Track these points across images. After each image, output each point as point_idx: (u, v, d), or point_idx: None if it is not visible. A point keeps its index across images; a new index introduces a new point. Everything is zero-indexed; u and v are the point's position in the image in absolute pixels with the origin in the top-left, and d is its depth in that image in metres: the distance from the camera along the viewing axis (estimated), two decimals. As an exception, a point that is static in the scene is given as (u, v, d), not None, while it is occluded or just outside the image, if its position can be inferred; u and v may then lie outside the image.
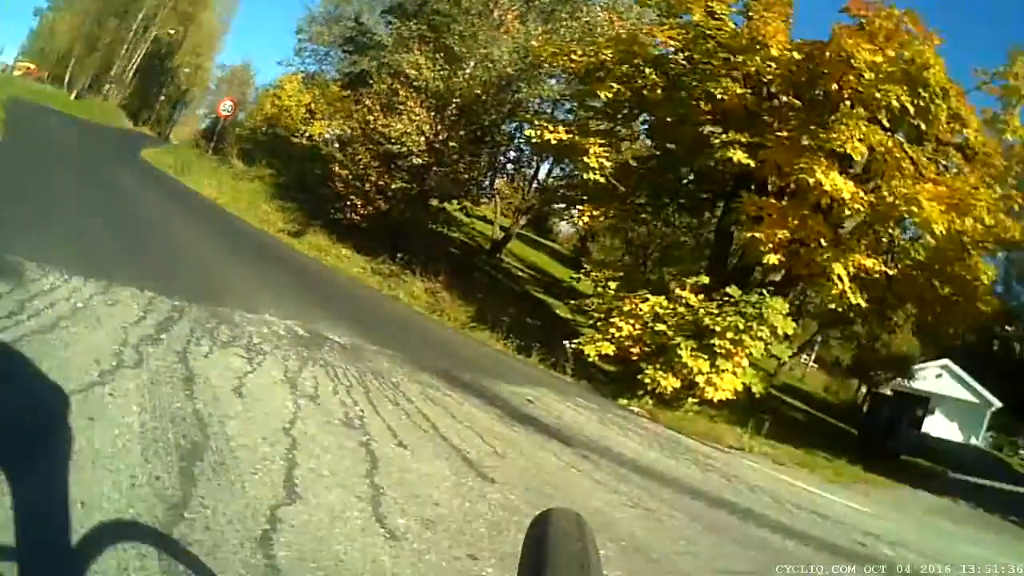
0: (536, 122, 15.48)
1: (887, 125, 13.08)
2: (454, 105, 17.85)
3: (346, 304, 12.90)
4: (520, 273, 25.86)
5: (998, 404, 38.46)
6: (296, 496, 3.75)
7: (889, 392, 27.77)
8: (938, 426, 34.35)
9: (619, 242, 23.68)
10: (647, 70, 14.20)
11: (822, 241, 12.78)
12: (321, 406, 5.62)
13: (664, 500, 7.03)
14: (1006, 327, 52.43)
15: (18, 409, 3.40)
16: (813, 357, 43.51)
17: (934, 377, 34.15)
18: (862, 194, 12.63)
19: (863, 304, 13.33)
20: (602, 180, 13.95)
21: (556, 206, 26.88)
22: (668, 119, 15.13)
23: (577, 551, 1.13)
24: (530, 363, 13.25)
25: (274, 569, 2.99)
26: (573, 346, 13.23)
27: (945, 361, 36.95)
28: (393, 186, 17.29)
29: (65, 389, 4.01)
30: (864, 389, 32.83)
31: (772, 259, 12.53)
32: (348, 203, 17.42)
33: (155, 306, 6.73)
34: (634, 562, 4.80)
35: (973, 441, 38.15)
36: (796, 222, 12.58)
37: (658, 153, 16.01)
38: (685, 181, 16.20)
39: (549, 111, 20.36)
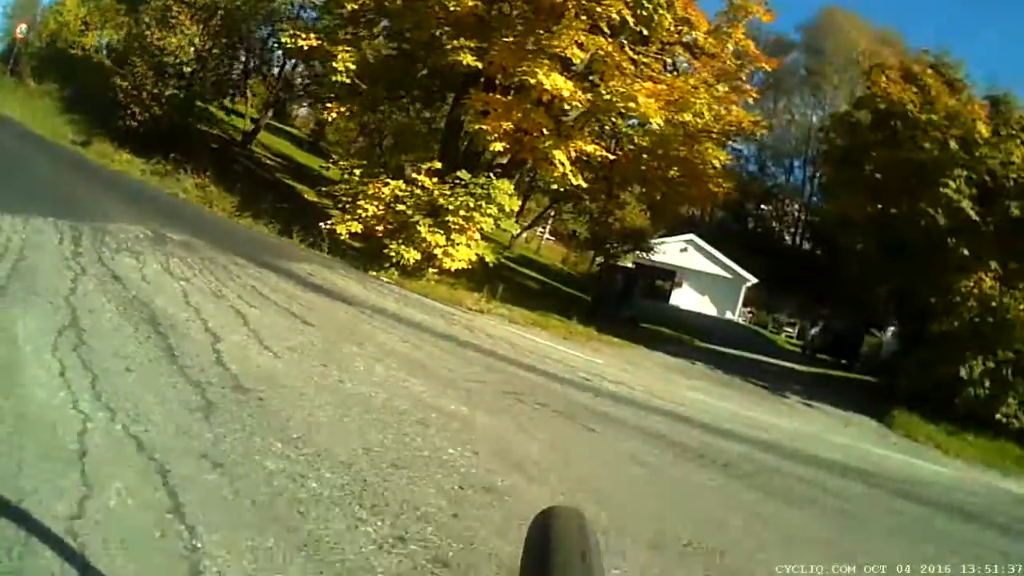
0: (291, 30, 16.43)
1: (608, 32, 14.67)
2: (218, 15, 19.21)
3: (154, 206, 14.74)
4: (269, 162, 27.25)
5: (753, 280, 40.60)
6: (219, 338, 6.44)
7: (630, 264, 29.49)
8: (689, 299, 36.69)
9: (354, 125, 24.89)
10: (389, -17, 15.58)
11: (544, 131, 14.53)
12: (194, 285, 8.45)
13: (424, 340, 9.81)
14: (761, 206, 56.30)
15: (49, 315, 5.81)
16: (548, 230, 45.26)
17: (678, 251, 35.14)
18: (580, 92, 14.28)
19: (584, 184, 15.16)
20: (348, 81, 15.18)
21: (303, 101, 29.27)
22: (406, 25, 16.36)
23: (578, 551, 1.19)
24: (294, 243, 15.13)
25: (232, 375, 5.54)
26: (328, 227, 14.60)
27: (690, 236, 38.25)
28: (167, 93, 18.50)
29: (61, 295, 6.45)
30: (601, 261, 34.60)
31: (497, 146, 14.29)
32: (128, 111, 18.55)
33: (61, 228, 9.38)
34: (414, 371, 7.55)
35: (728, 315, 40.00)
36: (520, 115, 14.31)
37: (395, 53, 17.26)
38: (420, 76, 17.42)
39: (296, 16, 22.04)
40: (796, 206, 56.54)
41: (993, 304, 15.27)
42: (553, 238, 46.39)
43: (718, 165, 17.19)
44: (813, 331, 35.61)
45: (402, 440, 5.24)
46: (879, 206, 17.64)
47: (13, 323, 5.44)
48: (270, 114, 29.53)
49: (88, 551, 2.98)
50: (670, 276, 31.93)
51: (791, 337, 42.14)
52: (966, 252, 15.45)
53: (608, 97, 14.20)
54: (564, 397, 8.58)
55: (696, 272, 37.78)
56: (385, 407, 5.97)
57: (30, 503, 3.13)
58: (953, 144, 15.50)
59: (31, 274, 6.90)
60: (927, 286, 16.71)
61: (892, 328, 25.34)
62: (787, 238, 56.98)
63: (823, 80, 55.10)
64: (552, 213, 38.28)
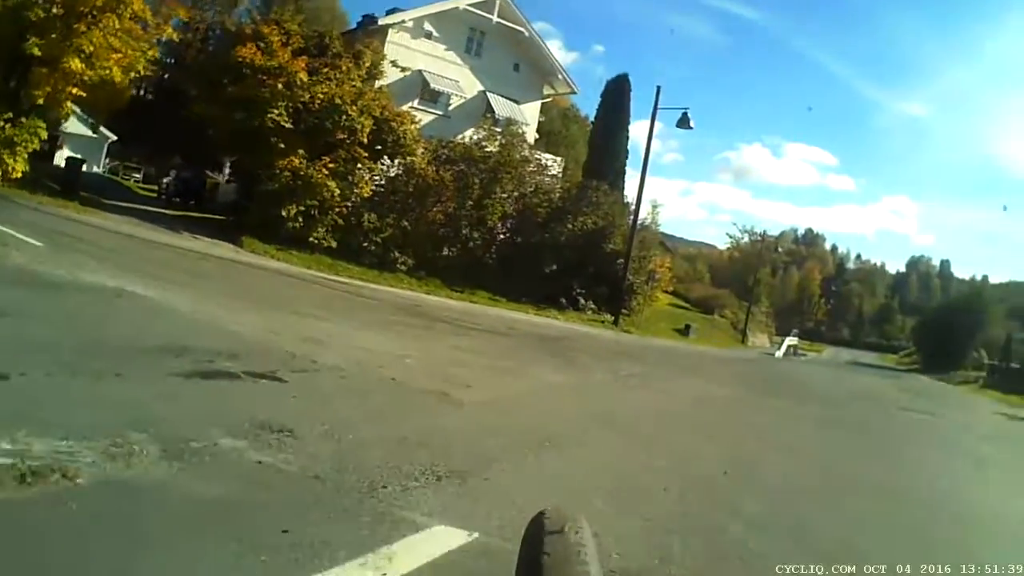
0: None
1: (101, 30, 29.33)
2: None
3: None
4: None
5: (114, 137, 57.79)
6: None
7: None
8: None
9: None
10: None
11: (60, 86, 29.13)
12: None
13: (39, 219, 23.29)
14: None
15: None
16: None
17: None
18: (87, 68, 28.80)
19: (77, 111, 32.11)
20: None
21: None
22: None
23: (574, 551, 1.48)
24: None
25: None
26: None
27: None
28: None
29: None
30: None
31: (40, 100, 29.25)
32: None
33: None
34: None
35: (96, 169, 55.59)
36: (53, 81, 29.02)
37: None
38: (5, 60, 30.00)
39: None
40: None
41: (302, 173, 32.05)
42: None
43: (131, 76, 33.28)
44: (167, 179, 51.99)
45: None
46: (230, 111, 32.88)
47: None
48: None
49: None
50: (54, 141, 43.08)
51: (139, 182, 61.13)
52: (283, 145, 31.96)
53: (98, 69, 29.47)
54: (116, 236, 23.98)
55: (71, 135, 50.12)
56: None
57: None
58: (280, 86, 31.77)
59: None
60: (258, 163, 32.94)
61: (227, 174, 41.33)
62: (134, 91, 67.61)
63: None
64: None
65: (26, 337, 8.61)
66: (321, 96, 33.25)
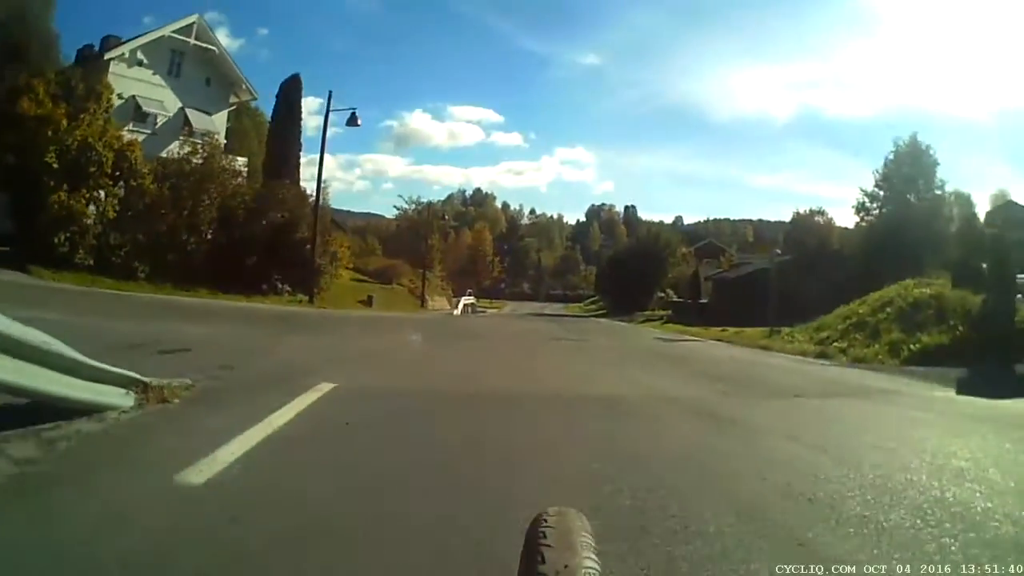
0: None
1: None
2: None
3: None
4: None
5: None
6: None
7: None
8: None
9: None
10: None
11: None
12: None
13: None
14: None
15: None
16: None
17: None
18: None
19: None
20: None
21: None
22: None
23: (576, 550, 1.47)
24: None
25: None
26: None
27: None
28: None
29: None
30: None
31: None
32: None
33: None
34: None
35: None
36: None
37: None
38: None
39: None
40: None
41: (66, 205, 38.90)
42: None
43: None
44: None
45: None
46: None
47: None
48: None
49: None
50: None
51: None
52: (52, 183, 38.56)
53: None
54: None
55: None
56: None
57: None
58: (49, 133, 38.47)
59: None
60: (32, 199, 38.06)
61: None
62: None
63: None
64: None
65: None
66: (79, 138, 39.94)
